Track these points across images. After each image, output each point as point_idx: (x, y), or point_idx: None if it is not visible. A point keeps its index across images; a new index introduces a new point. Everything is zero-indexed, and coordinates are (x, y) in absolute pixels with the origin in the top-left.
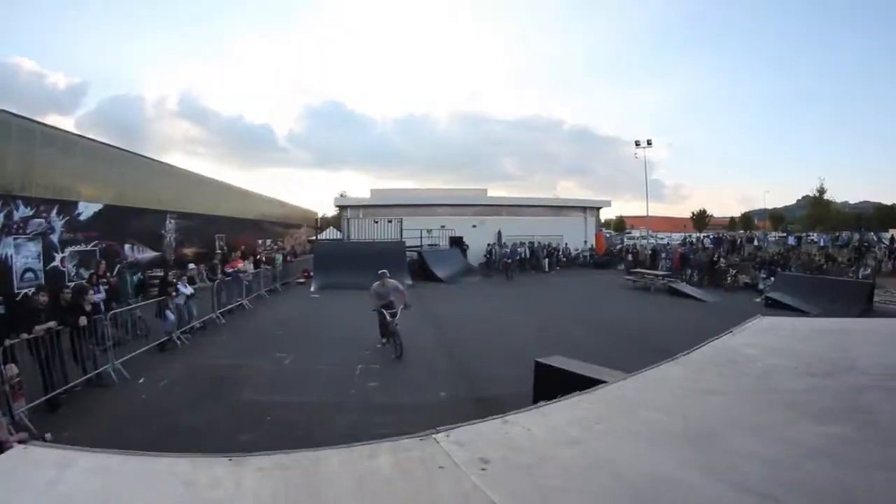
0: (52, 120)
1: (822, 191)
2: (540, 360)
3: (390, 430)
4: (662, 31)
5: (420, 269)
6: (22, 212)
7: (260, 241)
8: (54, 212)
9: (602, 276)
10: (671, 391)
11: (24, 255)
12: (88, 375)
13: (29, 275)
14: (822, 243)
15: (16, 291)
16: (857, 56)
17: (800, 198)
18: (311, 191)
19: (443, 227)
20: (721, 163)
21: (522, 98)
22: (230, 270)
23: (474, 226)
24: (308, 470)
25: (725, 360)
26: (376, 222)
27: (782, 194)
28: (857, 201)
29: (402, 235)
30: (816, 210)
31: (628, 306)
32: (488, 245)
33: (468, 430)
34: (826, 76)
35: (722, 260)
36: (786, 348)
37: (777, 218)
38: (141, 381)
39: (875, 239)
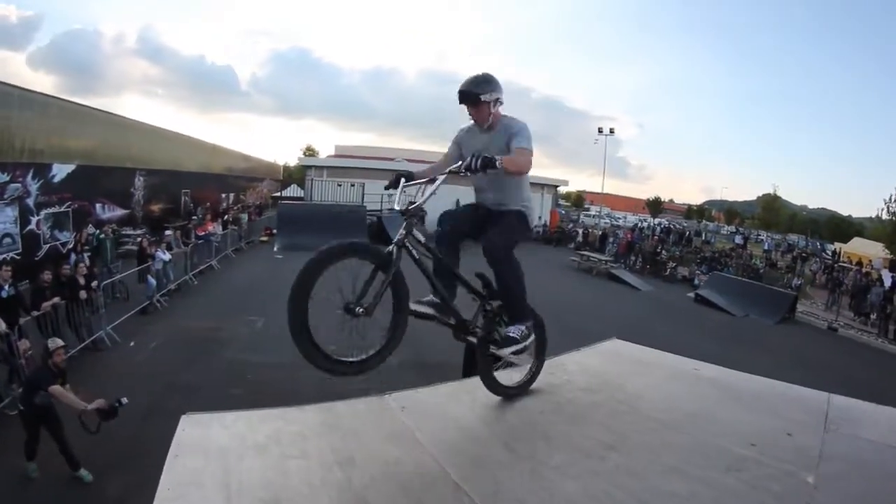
0: (3, 56)
1: (774, 197)
2: None
3: (349, 386)
4: (644, 11)
5: (378, 234)
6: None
7: (224, 196)
8: (30, 175)
9: (551, 254)
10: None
11: (2, 221)
12: (85, 342)
13: (7, 240)
14: (766, 246)
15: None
16: (844, 65)
17: (761, 194)
18: (273, 138)
19: (404, 191)
20: (688, 150)
21: (492, 62)
22: (202, 234)
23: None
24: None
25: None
26: (339, 185)
27: (744, 189)
28: (815, 206)
29: (363, 200)
30: (768, 214)
31: (567, 287)
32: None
33: (408, 394)
34: (806, 79)
35: (664, 252)
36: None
37: (732, 213)
38: (132, 344)
39: (819, 248)
